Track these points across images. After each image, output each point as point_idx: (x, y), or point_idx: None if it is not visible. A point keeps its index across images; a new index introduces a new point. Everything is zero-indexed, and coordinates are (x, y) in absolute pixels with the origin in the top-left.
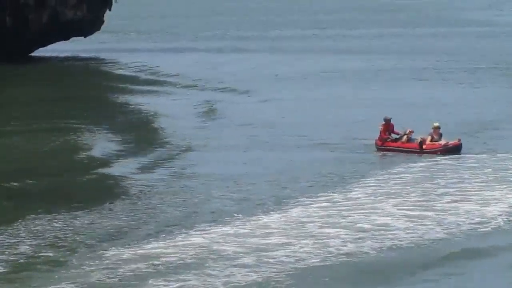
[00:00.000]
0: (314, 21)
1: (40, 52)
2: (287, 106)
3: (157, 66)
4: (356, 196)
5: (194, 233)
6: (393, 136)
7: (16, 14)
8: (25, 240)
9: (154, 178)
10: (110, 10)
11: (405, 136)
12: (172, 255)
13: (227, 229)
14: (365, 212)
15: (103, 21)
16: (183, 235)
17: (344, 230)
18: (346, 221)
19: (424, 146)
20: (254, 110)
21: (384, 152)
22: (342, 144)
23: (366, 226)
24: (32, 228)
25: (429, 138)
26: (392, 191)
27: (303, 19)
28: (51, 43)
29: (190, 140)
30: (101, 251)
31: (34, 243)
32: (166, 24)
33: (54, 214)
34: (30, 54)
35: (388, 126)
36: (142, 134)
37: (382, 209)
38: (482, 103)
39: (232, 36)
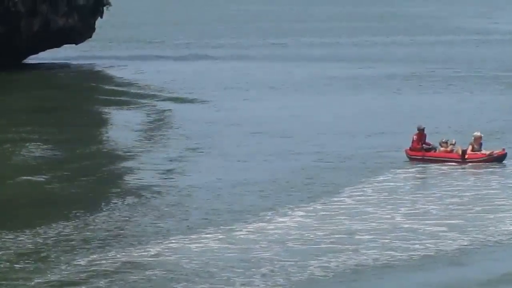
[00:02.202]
0: (306, 29)
1: (31, 59)
2: (279, 114)
3: (149, 74)
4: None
5: (179, 240)
6: (424, 147)
7: (7, 21)
8: None
9: (138, 185)
10: (101, 17)
11: (450, 146)
12: (155, 264)
13: (218, 236)
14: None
15: (94, 29)
16: (169, 242)
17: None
18: (347, 228)
19: (465, 156)
20: (247, 118)
21: (418, 162)
22: (332, 153)
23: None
24: (5, 238)
25: (470, 147)
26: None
27: (296, 27)
28: (43, 50)
29: (189, 147)
30: (79, 260)
31: (7, 252)
32: (159, 31)
33: (28, 224)
34: (21, 62)
35: (421, 136)
36: (129, 141)
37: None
38: (481, 110)
39: (227, 43)
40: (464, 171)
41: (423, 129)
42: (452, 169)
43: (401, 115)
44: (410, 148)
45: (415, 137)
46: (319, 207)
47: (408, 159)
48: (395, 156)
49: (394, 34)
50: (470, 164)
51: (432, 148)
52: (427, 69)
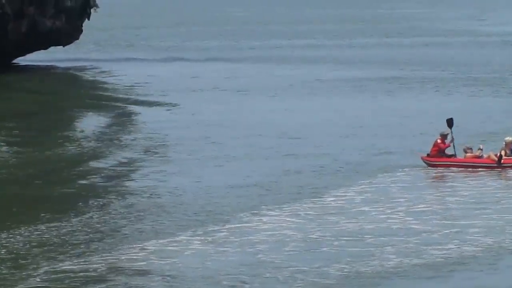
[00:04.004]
0: (294, 31)
1: (18, 61)
2: (270, 117)
3: (137, 77)
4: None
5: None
6: (448, 153)
7: None
8: None
9: (123, 190)
10: (89, 19)
11: (478, 151)
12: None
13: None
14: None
15: (81, 31)
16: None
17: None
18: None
19: (502, 161)
20: (238, 120)
21: (439, 168)
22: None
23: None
24: None
25: (502, 153)
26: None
27: (283, 29)
28: (30, 52)
29: (176, 150)
30: (58, 265)
31: None
32: (146, 35)
33: (4, 227)
34: (8, 64)
35: (443, 141)
36: (114, 144)
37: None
38: (473, 113)
39: (217, 46)
40: (479, 175)
41: (446, 135)
42: (466, 172)
43: (393, 118)
44: (429, 154)
45: (439, 141)
46: (322, 209)
47: (426, 166)
48: (393, 159)
49: (385, 37)
50: (506, 169)
51: (453, 154)
52: (419, 71)
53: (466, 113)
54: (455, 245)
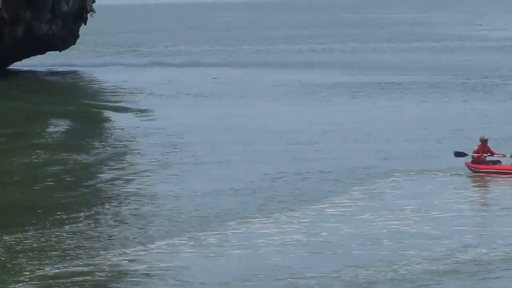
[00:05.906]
0: (290, 36)
1: (15, 66)
2: (263, 121)
3: (125, 81)
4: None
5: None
6: (488, 158)
7: None
8: None
9: (114, 196)
10: (85, 24)
11: None
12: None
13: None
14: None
15: (78, 36)
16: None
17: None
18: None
19: None
20: (231, 124)
21: (484, 175)
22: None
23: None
24: None
25: None
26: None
27: (281, 34)
28: (26, 57)
29: (169, 155)
30: (46, 269)
31: None
32: (140, 39)
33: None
34: (4, 68)
35: (484, 147)
36: (105, 148)
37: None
38: (472, 118)
39: (207, 50)
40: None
41: (486, 140)
42: (491, 177)
43: (391, 123)
44: (472, 160)
45: (476, 148)
46: (327, 214)
47: (471, 172)
48: (395, 164)
49: (383, 42)
50: None
51: (498, 161)
52: (417, 76)
53: (464, 118)
54: (477, 250)
